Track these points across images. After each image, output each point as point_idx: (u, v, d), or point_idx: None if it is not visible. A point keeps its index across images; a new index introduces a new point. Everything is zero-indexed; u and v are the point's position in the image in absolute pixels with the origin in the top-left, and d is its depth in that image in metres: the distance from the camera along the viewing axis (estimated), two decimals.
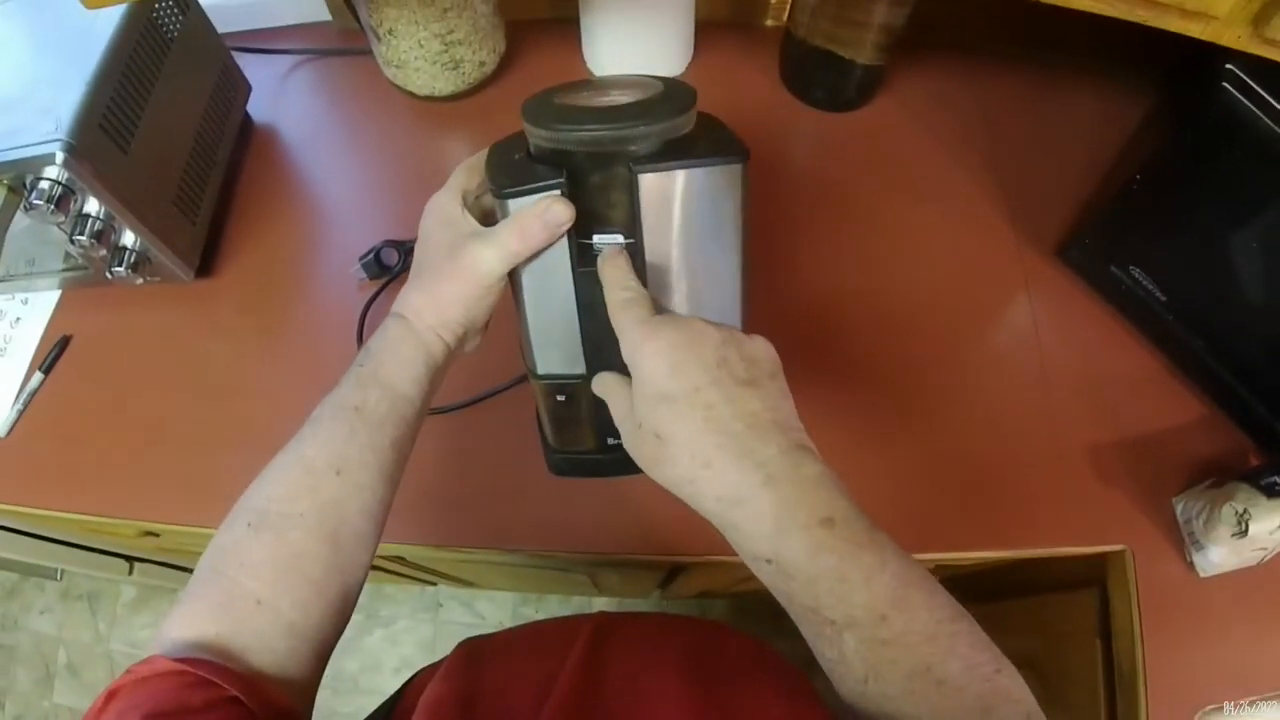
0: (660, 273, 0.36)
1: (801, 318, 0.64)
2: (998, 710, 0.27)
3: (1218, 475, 0.58)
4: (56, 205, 0.52)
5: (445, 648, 1.38)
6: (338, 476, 0.34)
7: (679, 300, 0.38)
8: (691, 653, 0.41)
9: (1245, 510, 0.51)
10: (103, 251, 0.58)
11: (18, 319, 0.67)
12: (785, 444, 0.29)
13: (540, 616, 1.31)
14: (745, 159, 0.35)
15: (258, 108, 0.76)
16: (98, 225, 0.56)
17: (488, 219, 0.37)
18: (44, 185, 0.52)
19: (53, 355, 0.64)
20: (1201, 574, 0.56)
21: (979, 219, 0.70)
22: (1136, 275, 0.59)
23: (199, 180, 0.66)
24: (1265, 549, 0.53)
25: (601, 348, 0.38)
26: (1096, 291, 0.65)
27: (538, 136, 0.34)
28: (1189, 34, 0.40)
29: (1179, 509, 0.58)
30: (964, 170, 0.73)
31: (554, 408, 0.42)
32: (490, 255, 0.34)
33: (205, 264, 0.67)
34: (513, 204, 0.34)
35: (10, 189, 0.54)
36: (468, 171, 0.39)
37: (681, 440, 0.29)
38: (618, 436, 0.43)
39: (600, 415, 0.42)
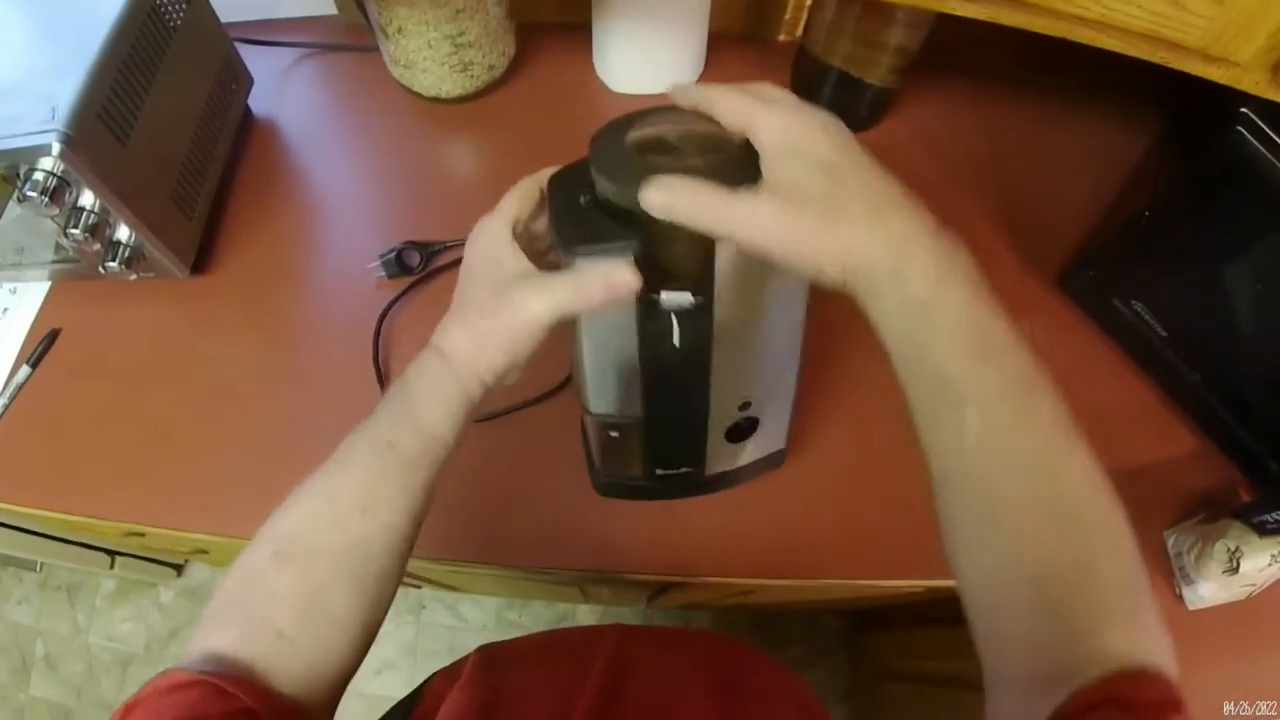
0: (727, 321, 0.36)
1: None
2: (1111, 539, 0.27)
3: (1209, 509, 0.58)
4: (51, 198, 0.51)
5: (428, 650, 1.37)
6: (364, 516, 0.33)
7: (742, 346, 0.37)
8: (714, 670, 0.42)
9: (1237, 548, 0.52)
10: (96, 246, 0.56)
11: (5, 309, 0.66)
12: (936, 222, 0.30)
13: (525, 621, 1.31)
14: None
15: (258, 101, 0.74)
16: (92, 219, 0.55)
17: (536, 244, 0.36)
18: (38, 176, 0.50)
19: (40, 349, 0.63)
20: (1190, 606, 0.56)
21: (982, 244, 0.69)
22: (1138, 309, 0.59)
23: (197, 174, 0.64)
24: (1254, 584, 0.54)
25: (660, 396, 0.38)
26: (1096, 322, 0.65)
27: (612, 193, 0.33)
28: (1209, 78, 0.40)
29: (1170, 542, 0.58)
30: (969, 194, 0.73)
31: (605, 441, 0.42)
32: (540, 305, 0.33)
33: (200, 260, 0.66)
34: (580, 263, 0.33)
35: (3, 178, 0.52)
36: (520, 199, 0.37)
37: (850, 201, 0.29)
38: (667, 468, 0.44)
39: (651, 450, 0.42)
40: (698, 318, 0.35)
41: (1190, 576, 0.55)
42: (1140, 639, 0.26)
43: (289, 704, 0.30)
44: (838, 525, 0.57)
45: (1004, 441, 0.28)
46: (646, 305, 0.34)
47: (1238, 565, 0.52)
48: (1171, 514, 0.60)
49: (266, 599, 0.31)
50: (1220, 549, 0.53)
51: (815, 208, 0.29)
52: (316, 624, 0.31)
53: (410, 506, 0.34)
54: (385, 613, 0.35)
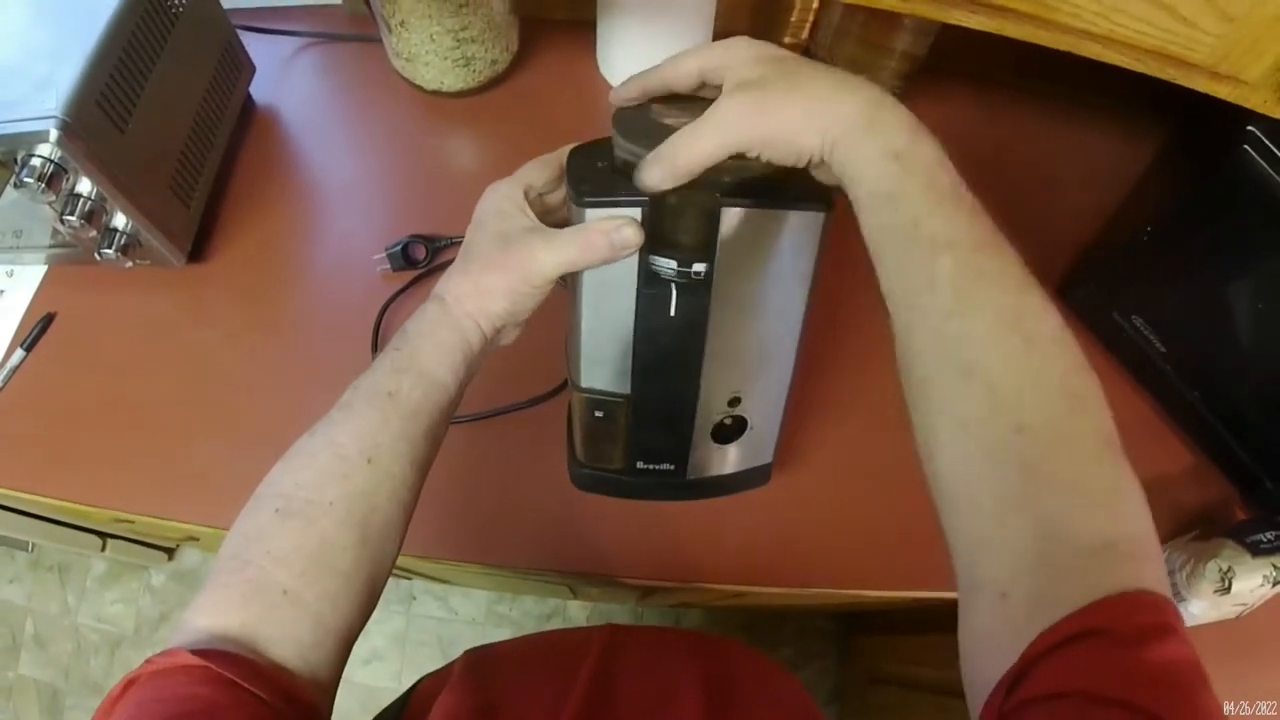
0: (725, 304, 0.36)
1: None
2: (1084, 403, 0.26)
3: (1203, 526, 0.58)
4: (47, 184, 0.50)
5: (417, 641, 1.37)
6: (369, 464, 0.32)
7: (738, 332, 0.37)
8: (704, 670, 0.41)
9: (1230, 568, 0.52)
10: (93, 233, 0.56)
11: (1, 291, 0.65)
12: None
13: (515, 615, 1.31)
14: (829, 210, 0.35)
15: (260, 89, 0.74)
16: (89, 206, 0.55)
17: (549, 217, 0.37)
18: (36, 162, 0.50)
19: (35, 332, 0.63)
20: None
21: None
22: (1138, 324, 0.59)
23: (196, 163, 0.64)
24: (1245, 604, 0.54)
25: (651, 373, 0.38)
26: (1094, 334, 0.65)
27: (626, 150, 0.34)
28: (1216, 95, 0.40)
29: (1163, 558, 0.58)
30: None
31: (589, 423, 0.41)
32: (546, 257, 0.33)
33: (197, 249, 0.65)
34: (590, 214, 0.33)
35: (0, 163, 0.52)
36: (539, 167, 0.38)
37: (811, 74, 0.31)
38: (649, 461, 0.43)
39: (634, 438, 0.41)
40: (697, 290, 0.35)
41: (1181, 594, 0.55)
42: (1120, 523, 0.25)
43: (294, 678, 0.29)
44: (821, 539, 0.57)
45: (977, 289, 0.27)
46: (648, 271, 0.34)
47: (1229, 585, 0.52)
48: (1164, 530, 0.59)
49: (270, 556, 0.30)
50: (1213, 568, 0.52)
51: (776, 86, 0.30)
52: (322, 579, 0.31)
53: (413, 454, 0.34)
54: (388, 572, 0.34)
